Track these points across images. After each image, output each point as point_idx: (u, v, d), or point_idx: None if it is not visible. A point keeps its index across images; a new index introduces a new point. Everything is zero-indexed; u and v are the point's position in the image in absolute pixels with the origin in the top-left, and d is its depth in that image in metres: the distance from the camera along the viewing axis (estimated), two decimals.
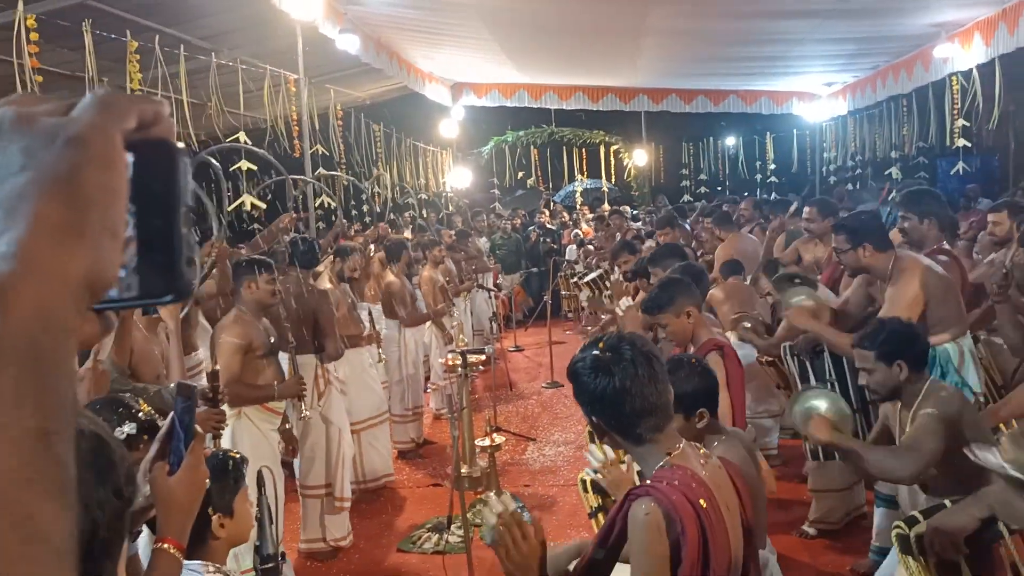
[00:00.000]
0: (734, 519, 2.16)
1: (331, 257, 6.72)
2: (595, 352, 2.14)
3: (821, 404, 3.87)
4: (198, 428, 1.62)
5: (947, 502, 3.23)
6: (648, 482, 2.09)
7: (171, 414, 1.63)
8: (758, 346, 5.49)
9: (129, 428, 2.20)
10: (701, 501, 2.04)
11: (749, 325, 5.49)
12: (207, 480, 1.67)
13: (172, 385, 3.44)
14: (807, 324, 4.61)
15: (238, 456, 2.50)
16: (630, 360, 2.08)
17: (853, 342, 3.73)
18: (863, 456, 3.51)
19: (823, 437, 3.57)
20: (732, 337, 5.97)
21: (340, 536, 5.57)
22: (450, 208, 16.28)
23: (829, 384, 4.96)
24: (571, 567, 2.33)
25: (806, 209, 7.04)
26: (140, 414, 2.28)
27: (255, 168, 7.60)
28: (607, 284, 8.91)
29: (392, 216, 13.10)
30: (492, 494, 2.41)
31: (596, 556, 2.16)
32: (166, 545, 1.61)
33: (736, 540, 2.16)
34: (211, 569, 2.11)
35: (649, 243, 9.07)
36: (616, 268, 7.03)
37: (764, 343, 5.41)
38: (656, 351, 2.20)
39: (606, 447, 2.70)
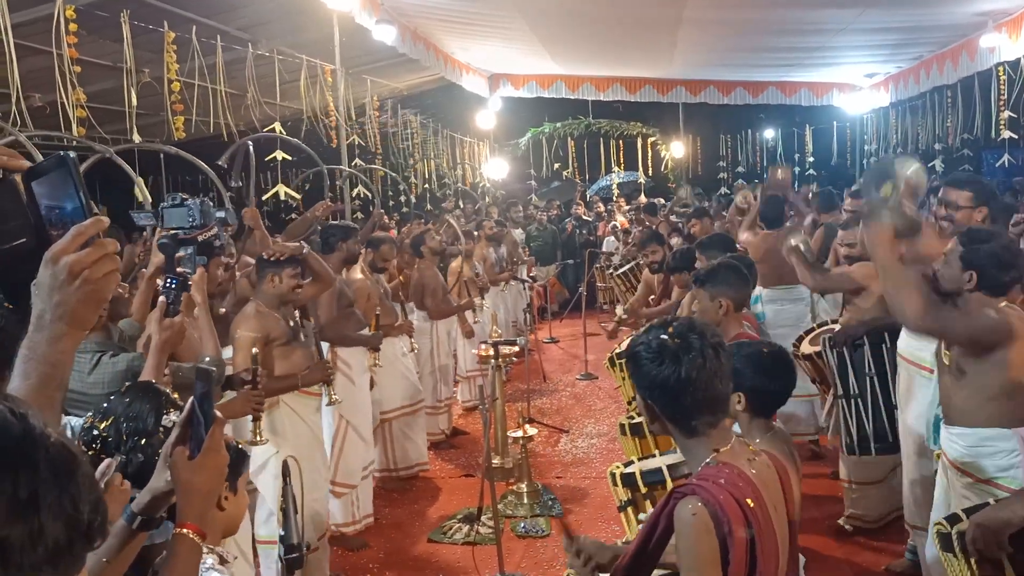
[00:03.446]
0: (781, 519, 2.11)
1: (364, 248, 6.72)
2: (663, 336, 2.06)
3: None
4: (217, 413, 1.62)
5: (991, 500, 3.15)
6: (694, 480, 2.04)
7: (191, 399, 1.64)
8: (803, 269, 5.24)
9: (176, 416, 2.21)
10: (748, 501, 1.99)
11: (796, 242, 5.25)
12: (227, 465, 1.66)
13: (207, 358, 3.46)
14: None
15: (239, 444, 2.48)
16: (699, 350, 2.01)
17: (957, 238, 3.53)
18: (895, 276, 3.36)
19: (884, 245, 3.34)
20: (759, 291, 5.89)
21: (342, 522, 5.49)
22: (487, 199, 16.27)
23: (869, 378, 4.88)
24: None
25: (849, 201, 6.90)
26: (177, 404, 2.29)
27: (290, 158, 7.65)
28: (639, 277, 8.85)
29: (430, 207, 13.15)
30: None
31: (639, 552, 2.11)
32: (186, 530, 1.61)
33: (783, 541, 2.10)
34: (206, 550, 2.11)
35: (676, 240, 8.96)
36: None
37: (809, 269, 5.19)
38: (724, 343, 2.12)
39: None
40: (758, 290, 6.65)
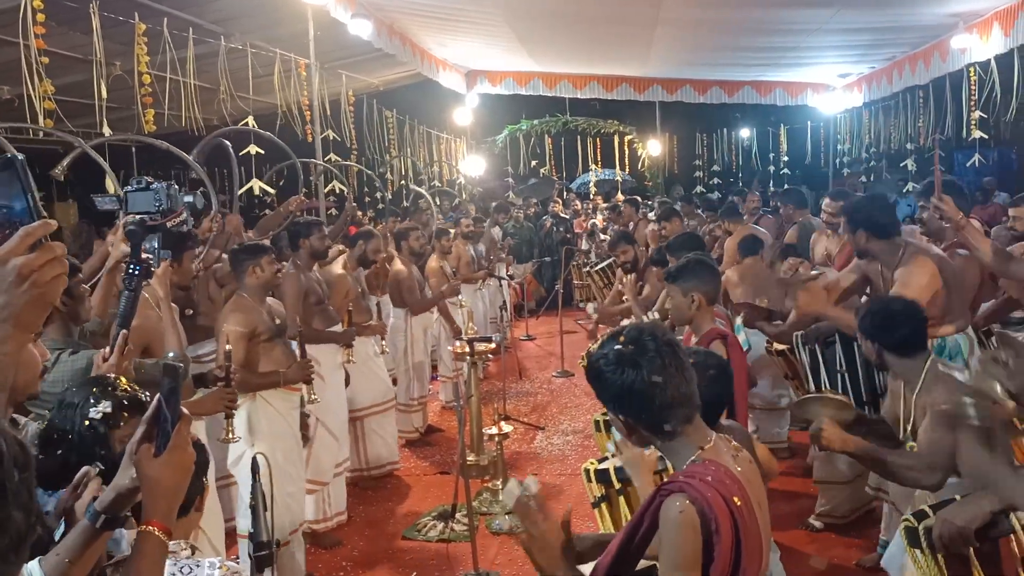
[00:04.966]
0: (764, 517, 2.10)
1: (341, 244, 6.69)
2: (617, 346, 2.04)
3: (826, 411, 3.66)
4: (184, 410, 1.59)
5: (957, 496, 3.18)
6: (681, 477, 2.02)
7: (157, 395, 1.61)
8: (767, 333, 5.39)
9: (104, 407, 2.17)
10: (735, 498, 1.98)
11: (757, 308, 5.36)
12: (193, 462, 1.64)
13: (171, 354, 3.42)
14: (817, 308, 4.45)
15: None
16: (655, 351, 1.99)
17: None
18: (885, 460, 3.40)
19: (838, 447, 3.42)
20: (740, 321, 5.88)
21: (313, 519, 5.43)
22: (463, 196, 16.22)
23: (840, 375, 4.90)
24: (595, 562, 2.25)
25: (826, 201, 6.96)
26: (118, 391, 2.24)
27: (263, 152, 7.58)
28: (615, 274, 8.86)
29: (405, 204, 13.08)
30: (514, 481, 2.31)
31: (623, 550, 2.08)
32: (151, 528, 1.58)
33: (767, 538, 2.10)
34: (184, 545, 2.09)
35: (652, 226, 8.98)
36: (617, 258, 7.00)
37: (774, 330, 5.31)
38: (676, 340, 2.10)
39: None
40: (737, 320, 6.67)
